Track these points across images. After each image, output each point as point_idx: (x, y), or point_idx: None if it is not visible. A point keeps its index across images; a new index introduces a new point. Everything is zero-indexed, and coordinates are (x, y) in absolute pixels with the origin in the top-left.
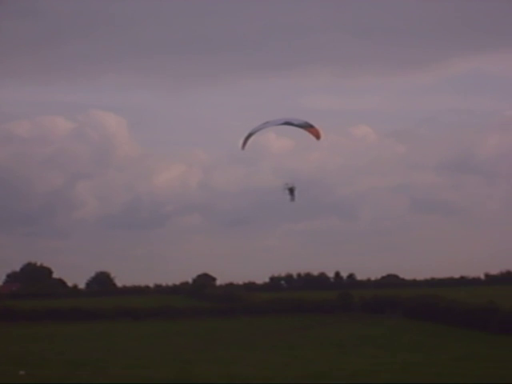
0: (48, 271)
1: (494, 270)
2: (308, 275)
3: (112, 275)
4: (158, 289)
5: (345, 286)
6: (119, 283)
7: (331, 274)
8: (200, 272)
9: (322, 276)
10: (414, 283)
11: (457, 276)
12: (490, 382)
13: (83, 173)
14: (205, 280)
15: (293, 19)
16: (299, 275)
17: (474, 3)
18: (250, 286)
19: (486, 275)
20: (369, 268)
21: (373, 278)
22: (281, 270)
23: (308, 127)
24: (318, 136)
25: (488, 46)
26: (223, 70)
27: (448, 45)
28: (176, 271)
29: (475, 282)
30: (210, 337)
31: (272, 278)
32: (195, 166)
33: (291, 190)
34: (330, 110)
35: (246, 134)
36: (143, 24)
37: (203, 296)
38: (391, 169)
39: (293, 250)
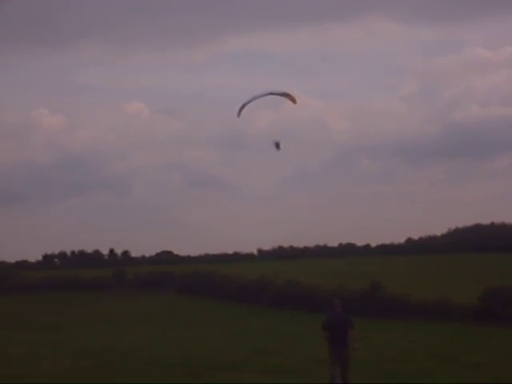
0: None
1: (267, 246)
2: (82, 252)
3: None
4: None
5: (119, 263)
6: None
7: (105, 251)
8: None
9: (97, 253)
10: (189, 259)
11: (230, 252)
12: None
13: None
14: None
15: None
16: (73, 253)
17: None
18: (22, 265)
19: (259, 251)
20: (143, 245)
21: (147, 255)
22: (54, 248)
23: (286, 95)
24: (294, 101)
25: (258, 25)
26: None
27: (219, 23)
28: None
29: (248, 257)
30: None
31: (45, 256)
32: None
33: (277, 145)
34: (103, 87)
35: (240, 105)
36: None
37: None
38: (164, 145)
39: (66, 227)
